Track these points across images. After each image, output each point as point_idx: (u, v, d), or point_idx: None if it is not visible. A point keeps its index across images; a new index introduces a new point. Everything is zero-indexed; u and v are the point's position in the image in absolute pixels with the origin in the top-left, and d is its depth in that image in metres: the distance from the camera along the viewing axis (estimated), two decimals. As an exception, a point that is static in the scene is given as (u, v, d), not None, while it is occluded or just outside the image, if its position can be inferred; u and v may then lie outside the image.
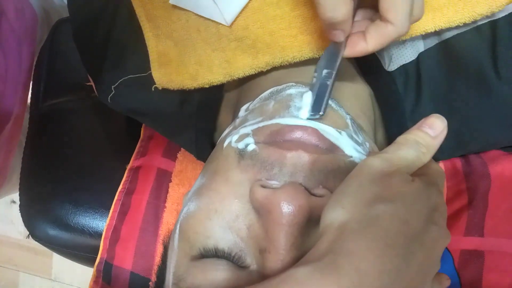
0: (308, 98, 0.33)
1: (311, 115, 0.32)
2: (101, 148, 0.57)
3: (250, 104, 0.37)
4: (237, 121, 0.36)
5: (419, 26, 0.34)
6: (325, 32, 0.31)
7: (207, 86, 0.40)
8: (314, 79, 0.33)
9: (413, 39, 0.37)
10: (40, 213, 0.54)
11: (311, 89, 0.33)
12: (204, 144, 0.44)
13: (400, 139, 0.27)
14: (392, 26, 0.29)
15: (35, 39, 0.66)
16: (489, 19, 0.36)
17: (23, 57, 0.64)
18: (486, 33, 0.36)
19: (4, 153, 0.66)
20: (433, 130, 0.28)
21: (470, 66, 0.37)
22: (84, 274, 1.33)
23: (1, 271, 1.38)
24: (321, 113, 0.32)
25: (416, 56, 0.38)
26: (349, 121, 0.34)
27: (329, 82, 0.32)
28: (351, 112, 0.35)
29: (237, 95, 0.43)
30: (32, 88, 0.63)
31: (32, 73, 0.64)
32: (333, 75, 0.32)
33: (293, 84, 0.35)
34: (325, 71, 0.33)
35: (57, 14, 0.74)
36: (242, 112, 0.36)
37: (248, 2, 0.38)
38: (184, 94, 0.43)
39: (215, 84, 0.40)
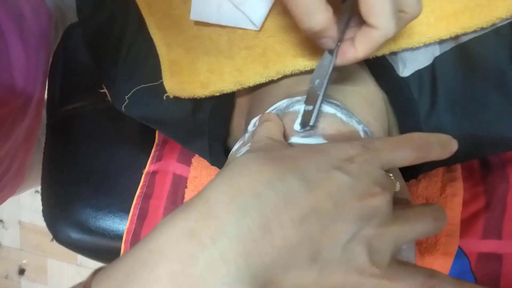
0: (300, 110, 0.33)
1: (302, 127, 0.32)
2: (117, 152, 0.57)
3: (258, 119, 0.37)
4: (246, 136, 0.35)
5: (433, 33, 0.33)
6: (313, 42, 0.30)
7: (218, 94, 0.40)
8: (307, 91, 0.33)
9: (428, 44, 0.36)
10: (62, 217, 0.55)
11: (304, 101, 0.33)
12: (217, 150, 0.45)
13: None
14: (376, 31, 0.28)
15: (51, 39, 0.67)
16: (509, 21, 0.34)
17: (41, 57, 0.64)
18: (505, 35, 0.35)
19: (22, 152, 0.68)
20: None
21: (488, 68, 0.36)
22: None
23: (31, 256, 1.43)
24: (311, 124, 0.32)
25: (431, 61, 0.37)
26: (361, 132, 0.33)
27: (320, 92, 0.32)
28: (363, 120, 0.35)
29: (249, 101, 0.43)
30: (47, 94, 0.64)
31: (47, 78, 0.65)
32: (324, 85, 0.32)
33: (300, 98, 0.34)
34: (317, 81, 0.32)
35: (73, 13, 0.74)
36: (251, 126, 0.36)
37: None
38: (196, 102, 0.43)
39: (225, 92, 0.40)
